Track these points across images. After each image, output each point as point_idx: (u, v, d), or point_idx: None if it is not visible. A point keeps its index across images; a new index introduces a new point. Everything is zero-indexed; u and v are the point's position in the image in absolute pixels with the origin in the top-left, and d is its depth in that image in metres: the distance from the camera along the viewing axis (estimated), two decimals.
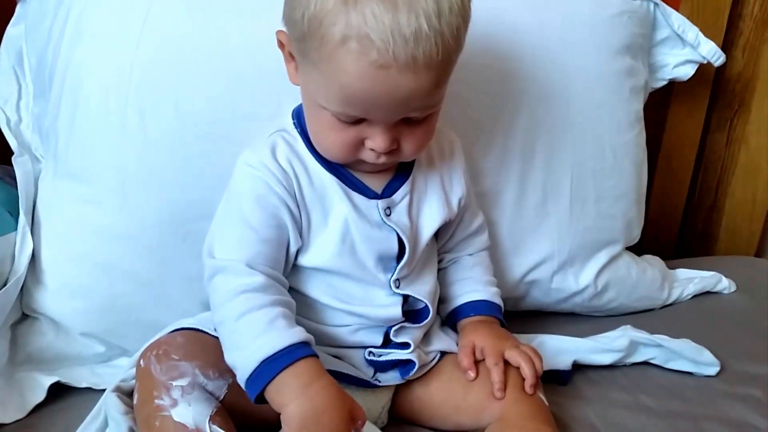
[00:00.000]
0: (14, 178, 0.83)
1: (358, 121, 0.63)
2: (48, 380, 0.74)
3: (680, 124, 1.14)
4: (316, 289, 0.70)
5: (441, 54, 0.58)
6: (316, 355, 0.61)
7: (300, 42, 0.61)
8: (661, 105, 1.12)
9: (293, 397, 0.58)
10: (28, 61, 0.88)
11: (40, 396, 0.73)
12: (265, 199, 0.66)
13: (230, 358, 0.62)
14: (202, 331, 0.70)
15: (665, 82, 1.02)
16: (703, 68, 1.03)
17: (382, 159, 0.65)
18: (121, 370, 0.76)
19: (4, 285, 0.76)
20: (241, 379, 0.61)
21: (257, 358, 0.60)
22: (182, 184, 0.78)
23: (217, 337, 0.69)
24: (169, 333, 0.72)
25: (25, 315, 0.80)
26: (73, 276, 0.78)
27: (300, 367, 0.59)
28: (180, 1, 0.79)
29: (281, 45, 0.67)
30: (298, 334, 0.61)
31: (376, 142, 0.63)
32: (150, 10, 0.78)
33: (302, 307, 0.70)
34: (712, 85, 1.13)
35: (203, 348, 0.67)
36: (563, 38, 0.88)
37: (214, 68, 0.78)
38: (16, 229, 0.79)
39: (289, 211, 0.67)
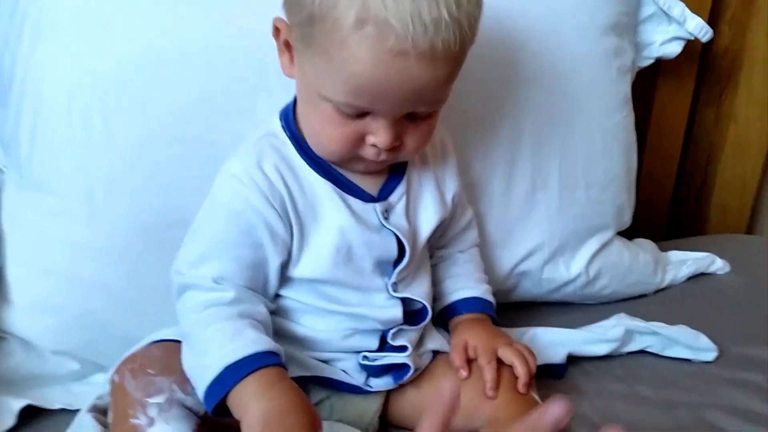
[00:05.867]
0: None
1: (361, 115, 0.59)
2: (18, 404, 0.70)
3: (668, 102, 1.11)
4: (309, 295, 0.67)
5: (458, 44, 0.56)
6: (284, 367, 0.59)
7: (306, 26, 0.57)
8: (648, 83, 1.09)
9: (254, 399, 0.56)
10: None
11: (10, 421, 0.70)
12: (242, 217, 0.62)
13: (190, 368, 0.60)
14: (179, 341, 0.67)
15: (652, 61, 0.99)
16: (690, 44, 1.00)
17: (383, 156, 0.62)
18: (98, 387, 0.73)
19: None
20: (201, 387, 0.59)
21: (222, 364, 0.58)
22: (153, 190, 0.74)
23: None
24: (145, 345, 0.69)
25: None
26: (43, 292, 0.75)
27: (264, 373, 0.57)
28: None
29: (277, 33, 0.63)
30: (265, 344, 0.59)
31: (379, 137, 0.60)
32: (112, 10, 0.74)
33: (295, 313, 0.67)
34: (699, 61, 1.10)
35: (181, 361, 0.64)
36: (547, 20, 0.85)
37: (180, 66, 0.74)
38: None
39: (269, 228, 0.62)
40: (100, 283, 0.75)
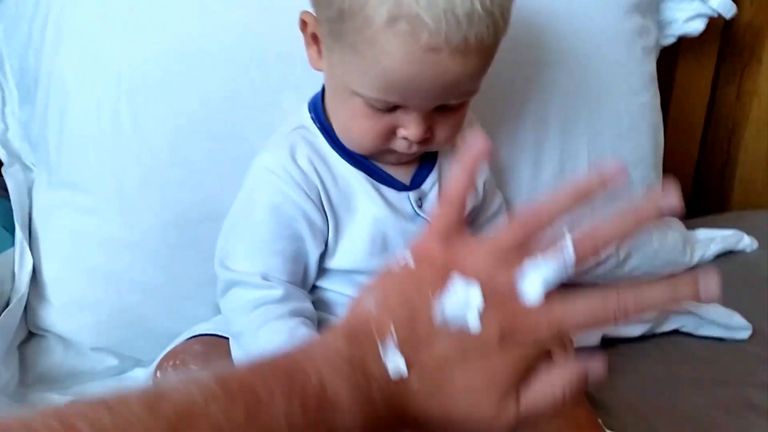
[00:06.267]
0: (6, 190, 0.79)
1: (392, 109, 0.59)
2: (63, 400, 0.71)
3: (690, 79, 1.11)
4: (346, 286, 0.67)
5: (492, 36, 0.55)
6: None
7: (335, 23, 0.57)
8: (669, 61, 1.08)
9: None
10: (9, 65, 0.83)
11: None
12: (281, 210, 0.62)
13: None
14: (219, 336, 0.67)
15: (675, 39, 0.98)
16: (711, 20, 0.98)
17: (414, 148, 0.62)
18: (137, 382, 0.74)
19: (7, 305, 0.72)
20: None
21: None
22: (184, 185, 0.74)
23: None
24: (185, 341, 0.69)
25: (31, 333, 0.77)
26: (78, 289, 0.75)
27: None
28: None
29: (304, 26, 0.63)
30: None
31: (410, 130, 0.59)
32: (134, 6, 0.73)
33: (333, 305, 0.67)
34: (721, 37, 1.09)
35: (223, 355, 0.65)
36: (571, 2, 0.84)
37: (207, 61, 0.73)
38: (13, 244, 0.75)
39: (307, 220, 0.63)
40: (135, 279, 0.75)
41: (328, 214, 0.64)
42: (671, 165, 1.14)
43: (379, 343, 0.35)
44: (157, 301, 0.75)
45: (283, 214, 0.62)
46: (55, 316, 0.75)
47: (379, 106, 0.58)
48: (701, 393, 0.74)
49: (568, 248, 0.36)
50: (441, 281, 0.36)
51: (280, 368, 0.33)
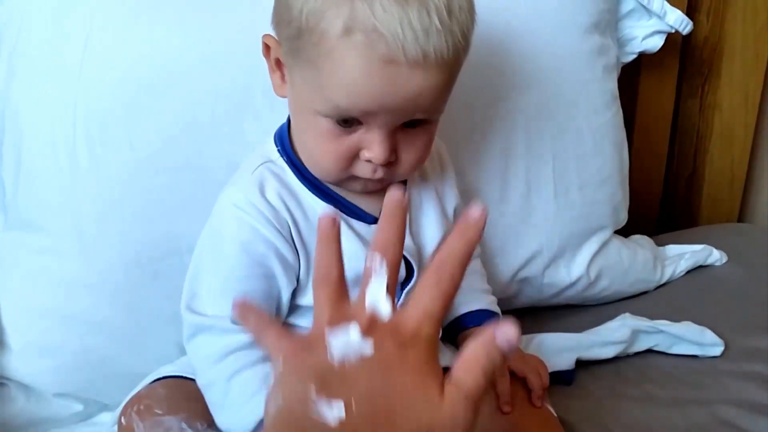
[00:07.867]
0: None
1: (355, 129, 0.58)
2: None
3: (652, 96, 1.12)
4: None
5: (451, 52, 0.55)
6: None
7: (294, 40, 0.56)
8: (631, 78, 1.09)
9: None
10: None
11: None
12: (252, 247, 0.60)
13: (224, 419, 0.59)
14: (184, 377, 0.66)
15: (635, 56, 0.99)
16: (670, 36, 1.00)
17: (379, 173, 0.60)
18: (104, 427, 0.72)
19: None
20: None
21: (258, 415, 0.56)
22: (144, 221, 0.73)
23: None
24: (149, 384, 0.68)
25: None
26: (38, 333, 0.73)
27: None
28: (120, 25, 0.73)
29: (267, 51, 0.62)
30: None
31: (374, 151, 0.58)
32: (89, 39, 0.72)
33: None
34: (680, 53, 1.10)
35: (187, 398, 0.63)
36: (531, 23, 0.84)
37: (165, 93, 0.72)
38: None
39: (279, 256, 0.61)
40: (97, 320, 0.73)
41: (299, 250, 0.62)
42: (638, 182, 1.14)
43: None
44: (119, 341, 0.74)
45: (254, 251, 0.60)
46: (15, 361, 0.73)
47: (340, 122, 0.57)
48: (676, 412, 0.74)
49: (379, 263, 0.41)
50: (321, 345, 0.38)
51: None
